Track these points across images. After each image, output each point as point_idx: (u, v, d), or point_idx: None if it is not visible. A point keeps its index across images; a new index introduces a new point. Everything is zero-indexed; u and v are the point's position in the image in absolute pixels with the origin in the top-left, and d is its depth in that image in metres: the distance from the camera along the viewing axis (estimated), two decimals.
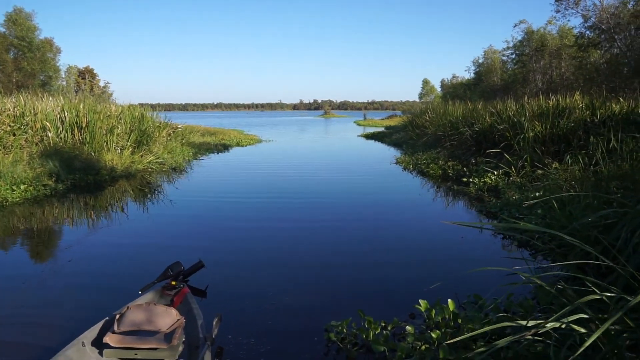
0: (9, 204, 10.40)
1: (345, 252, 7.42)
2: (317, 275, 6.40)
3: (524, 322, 3.12)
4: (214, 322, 4.24)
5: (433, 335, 4.22)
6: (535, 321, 3.09)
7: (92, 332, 3.97)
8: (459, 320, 4.46)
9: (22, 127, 14.56)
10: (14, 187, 11.08)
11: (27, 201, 10.85)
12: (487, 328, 3.19)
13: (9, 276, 6.37)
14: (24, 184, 11.41)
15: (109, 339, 3.71)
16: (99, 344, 3.89)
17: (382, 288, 5.94)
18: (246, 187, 13.81)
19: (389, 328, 4.66)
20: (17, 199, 10.73)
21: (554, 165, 11.36)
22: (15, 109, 15.06)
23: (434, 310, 4.72)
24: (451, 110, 22.42)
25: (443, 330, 4.35)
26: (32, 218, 9.65)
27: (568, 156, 11.32)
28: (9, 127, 14.23)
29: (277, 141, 33.87)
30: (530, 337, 2.99)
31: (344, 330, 4.60)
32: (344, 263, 6.90)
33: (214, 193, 12.67)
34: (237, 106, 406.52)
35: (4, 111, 14.74)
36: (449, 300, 4.67)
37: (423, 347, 4.21)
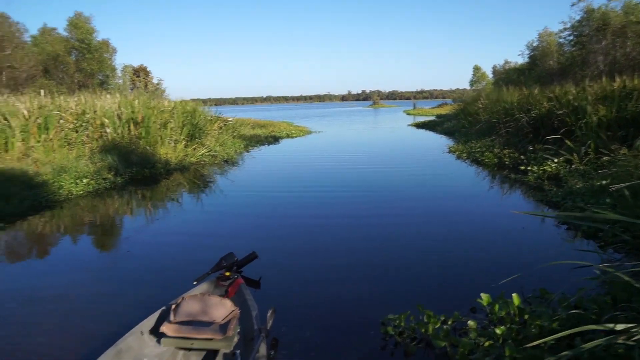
0: (73, 197, 10.88)
1: (401, 244, 7.22)
2: (373, 268, 6.24)
3: (611, 326, 2.84)
4: (268, 314, 4.19)
5: (497, 331, 3.99)
6: (624, 325, 2.80)
7: (150, 322, 4.02)
8: (525, 316, 4.19)
9: (84, 124, 15.26)
10: (77, 181, 11.58)
11: (90, 194, 11.30)
12: (571, 330, 2.89)
13: (74, 268, 6.62)
14: (86, 177, 11.90)
15: (165, 328, 3.73)
16: (156, 332, 3.93)
17: (441, 281, 5.71)
18: (297, 179, 13.81)
19: (449, 322, 4.45)
20: (81, 192, 11.21)
21: (622, 151, 10.60)
22: (77, 107, 15.79)
23: (497, 305, 4.46)
24: (505, 96, 21.47)
25: (508, 326, 4.10)
26: (94, 210, 10.04)
27: (639, 141, 10.53)
28: (72, 125, 14.95)
29: (326, 132, 33.80)
30: (621, 341, 2.71)
31: (402, 324, 4.44)
32: (401, 256, 6.70)
33: (265, 185, 12.75)
34: (286, 99, 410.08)
35: (68, 110, 15.49)
36: (513, 294, 4.40)
37: (486, 343, 3.98)
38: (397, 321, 4.46)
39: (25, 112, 14.27)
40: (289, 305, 5.03)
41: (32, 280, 6.19)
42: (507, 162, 14.26)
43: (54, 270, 6.57)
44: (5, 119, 13.71)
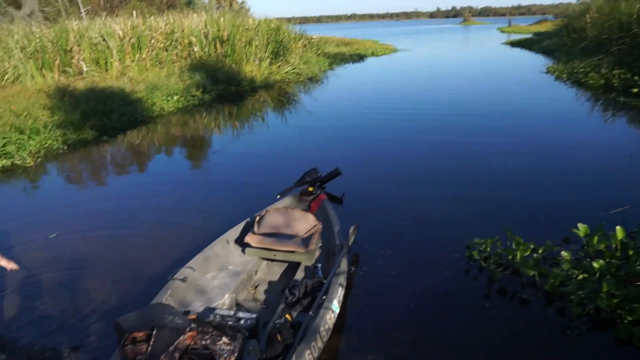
0: (165, 113, 11.42)
1: (492, 168, 6.82)
2: (460, 190, 5.98)
3: None
4: (351, 230, 4.18)
5: (594, 264, 3.69)
6: None
7: (235, 232, 4.19)
8: (630, 252, 3.81)
9: (173, 43, 15.64)
10: (168, 98, 12.08)
11: (180, 110, 11.79)
12: None
13: (166, 180, 7.04)
14: (176, 94, 12.36)
15: (249, 239, 3.87)
16: (241, 242, 4.09)
17: (533, 208, 5.35)
18: (383, 98, 13.38)
19: (539, 251, 4.20)
20: (172, 109, 11.72)
21: None
22: (166, 27, 16.14)
23: (596, 237, 4.09)
24: (622, 7, 18.81)
25: (607, 260, 3.76)
26: (184, 126, 10.49)
27: None
28: (162, 44, 15.38)
29: (413, 50, 32.15)
30: None
31: (488, 249, 4.26)
32: (492, 179, 6.35)
33: (350, 103, 12.52)
34: (372, 16, 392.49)
35: (158, 30, 15.89)
36: (617, 227, 4.00)
37: (581, 276, 3.71)
38: (483, 246, 4.28)
39: (121, 33, 14.84)
40: (371, 223, 5.00)
41: (130, 190, 6.68)
42: (615, 84, 12.75)
43: (148, 181, 7.04)
44: (104, 40, 14.37)
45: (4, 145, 7.86)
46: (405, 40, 45.56)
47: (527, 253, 4.16)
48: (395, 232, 4.85)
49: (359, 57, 25.77)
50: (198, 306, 3.25)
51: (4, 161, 7.62)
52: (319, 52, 22.51)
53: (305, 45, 21.36)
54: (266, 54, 16.91)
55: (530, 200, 5.57)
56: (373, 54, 28.18)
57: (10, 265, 3.09)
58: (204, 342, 2.56)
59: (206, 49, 15.98)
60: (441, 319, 3.50)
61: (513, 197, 5.69)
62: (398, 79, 17.36)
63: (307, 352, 2.61)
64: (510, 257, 4.15)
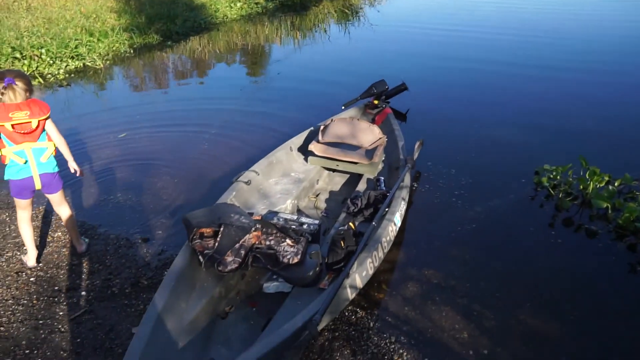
0: (228, 20, 11.24)
1: (573, 94, 6.29)
2: (534, 115, 5.61)
3: None
4: (416, 146, 4.07)
5: None
6: None
7: (299, 139, 4.18)
8: None
9: None
10: (232, 5, 11.83)
11: (242, 18, 11.56)
12: None
13: (229, 85, 7.05)
14: (239, 1, 12.06)
15: (313, 147, 3.84)
16: (304, 150, 4.09)
17: (613, 140, 4.97)
18: (453, 15, 12.43)
19: (615, 184, 3.95)
20: (235, 16, 11.51)
21: None
22: None
23: None
24: None
25: None
26: (246, 33, 10.31)
27: None
28: None
29: None
30: None
31: (558, 177, 4.06)
32: (571, 106, 5.89)
33: (417, 19, 11.78)
34: None
35: None
36: None
37: None
38: (554, 173, 4.08)
39: None
40: (436, 141, 4.84)
41: (194, 94, 6.76)
42: None
43: (211, 86, 7.09)
44: None
45: (76, 47, 8.07)
46: None
47: (602, 184, 3.93)
48: (460, 152, 4.68)
49: None
50: (261, 209, 3.33)
51: (77, 62, 7.87)
52: None
53: None
54: None
55: (611, 131, 5.17)
56: None
57: (79, 170, 3.20)
58: (268, 243, 2.64)
59: None
60: (501, 242, 3.43)
61: (591, 126, 5.30)
62: None
63: (369, 260, 2.64)
64: (581, 187, 3.94)
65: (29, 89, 2.83)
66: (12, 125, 2.74)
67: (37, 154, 2.91)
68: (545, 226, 3.61)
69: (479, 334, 2.63)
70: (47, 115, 2.85)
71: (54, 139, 2.97)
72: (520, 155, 4.65)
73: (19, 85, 2.75)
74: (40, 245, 3.45)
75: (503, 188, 4.08)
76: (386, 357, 2.48)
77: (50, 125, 2.92)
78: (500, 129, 5.22)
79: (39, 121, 2.81)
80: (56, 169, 3.05)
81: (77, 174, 3.23)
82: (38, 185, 2.98)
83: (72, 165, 3.17)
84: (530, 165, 4.37)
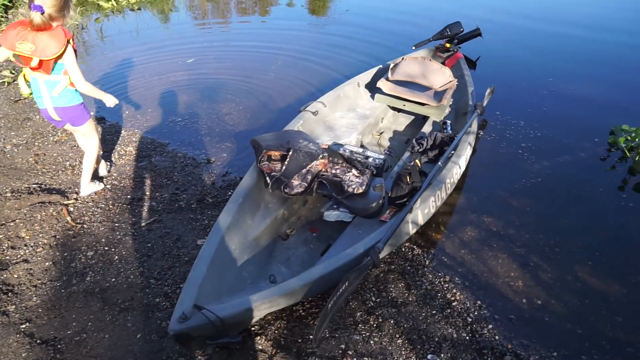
0: None
1: None
2: (614, 72, 5.24)
3: None
4: (487, 92, 3.93)
5: None
6: None
7: (367, 76, 4.12)
8: None
9: None
10: None
11: None
12: None
13: (296, 19, 6.94)
14: None
15: (382, 84, 3.78)
16: (372, 88, 4.03)
17: None
18: None
19: None
20: None
21: None
22: None
23: None
24: None
25: None
26: None
27: None
28: None
29: None
30: None
31: (637, 140, 3.82)
32: None
33: None
34: None
35: None
36: None
37: None
38: (633, 135, 3.84)
39: None
40: (506, 91, 4.65)
41: (261, 29, 6.71)
42: None
43: (280, 21, 6.99)
44: None
45: None
46: None
47: None
48: (531, 105, 4.48)
49: None
50: (326, 140, 3.36)
51: None
52: None
53: None
54: None
55: None
56: None
57: (110, 100, 2.97)
58: (334, 171, 2.68)
59: None
60: (566, 198, 3.32)
61: None
62: None
63: (432, 199, 2.64)
64: None
65: (58, 17, 2.55)
66: (16, 55, 2.58)
67: (49, 86, 2.73)
68: (615, 188, 3.45)
69: (534, 285, 2.62)
70: (54, 55, 2.55)
71: (73, 78, 2.70)
72: (596, 112, 4.40)
73: (47, 11, 2.47)
74: (116, 157, 3.66)
75: (574, 145, 3.91)
76: (439, 295, 2.53)
77: (70, 61, 2.64)
78: (575, 84, 4.93)
79: (40, 60, 2.57)
80: (74, 102, 2.83)
81: (113, 105, 3.02)
82: (55, 117, 2.83)
83: (107, 101, 2.95)
84: (607, 124, 4.13)
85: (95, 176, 3.39)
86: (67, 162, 3.58)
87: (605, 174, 3.62)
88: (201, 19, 7.11)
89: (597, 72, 5.22)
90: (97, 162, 3.32)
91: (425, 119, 3.79)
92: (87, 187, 3.21)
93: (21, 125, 4.09)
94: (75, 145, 3.78)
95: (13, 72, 4.97)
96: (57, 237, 2.84)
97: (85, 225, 2.95)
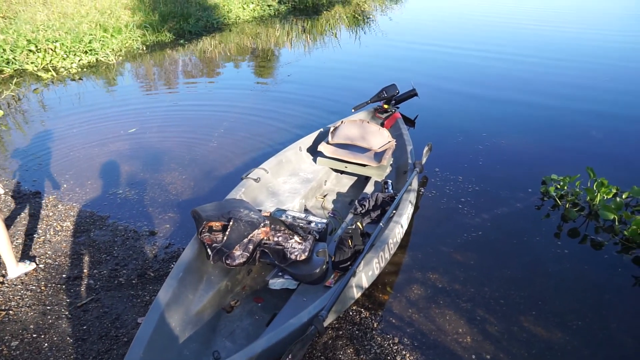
0: (240, 21, 11.33)
1: (583, 104, 6.29)
2: (542, 124, 5.63)
3: None
4: (424, 151, 4.09)
5: None
6: None
7: (308, 140, 4.20)
8: None
9: None
10: (244, 6, 11.92)
11: (255, 19, 11.65)
12: None
13: (239, 85, 7.09)
14: (252, 3, 12.16)
15: (322, 148, 3.87)
16: (313, 151, 4.11)
17: (623, 152, 4.97)
18: (465, 23, 12.48)
19: (623, 196, 3.96)
20: (247, 17, 11.60)
21: None
22: None
23: None
24: None
25: None
26: (258, 35, 10.38)
27: None
28: None
29: None
30: None
31: (565, 187, 4.07)
32: (581, 116, 5.89)
33: (428, 27, 11.82)
34: None
35: None
36: None
37: None
38: (561, 183, 4.08)
39: None
40: (443, 148, 4.87)
41: (204, 94, 6.80)
42: None
43: (222, 86, 7.12)
44: None
45: (89, 42, 8.16)
46: None
47: (610, 196, 3.94)
48: (467, 160, 4.70)
49: None
50: (269, 206, 3.36)
51: (90, 57, 7.95)
52: None
53: None
54: None
55: (619, 143, 5.17)
56: None
57: None
58: (276, 239, 2.66)
59: None
60: (507, 250, 3.43)
61: (600, 138, 5.30)
62: (486, 2, 16.05)
63: (375, 260, 2.66)
64: (589, 198, 3.95)
65: None
66: None
67: None
68: (551, 236, 3.61)
69: (482, 339, 2.64)
70: None
71: None
72: (527, 164, 4.67)
73: None
74: (51, 234, 3.49)
75: (510, 196, 4.10)
76: (389, 358, 2.49)
77: None
78: (508, 138, 5.24)
79: None
80: None
81: None
82: None
83: None
84: (538, 175, 4.38)
85: (27, 256, 3.21)
86: None
87: (540, 222, 3.79)
88: (146, 86, 7.13)
89: (526, 127, 5.57)
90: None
91: (367, 179, 3.88)
92: (15, 269, 3.01)
93: None
94: (8, 223, 3.59)
95: None
96: None
97: (11, 312, 2.74)
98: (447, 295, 2.96)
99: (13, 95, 6.29)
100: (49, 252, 3.28)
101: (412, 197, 3.35)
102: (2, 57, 7.16)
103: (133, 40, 8.88)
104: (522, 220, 3.80)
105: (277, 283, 2.65)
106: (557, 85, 7.12)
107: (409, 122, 5.10)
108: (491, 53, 9.05)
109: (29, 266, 3.08)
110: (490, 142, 5.11)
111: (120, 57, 8.23)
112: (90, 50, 8.07)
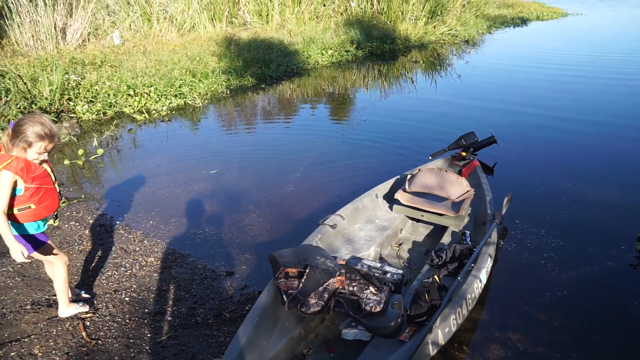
0: (319, 66, 11.72)
1: None
2: (632, 171, 5.25)
3: None
4: (505, 201, 3.94)
5: None
6: None
7: (385, 187, 4.20)
8: None
9: None
10: (323, 52, 12.34)
11: (333, 64, 12.00)
12: None
13: (316, 129, 7.28)
14: (330, 49, 12.57)
15: (399, 195, 3.84)
16: (389, 198, 4.10)
17: None
18: (543, 66, 12.10)
19: None
20: (325, 62, 11.98)
21: None
22: None
23: None
24: None
25: None
26: (336, 80, 10.67)
27: None
28: None
29: (587, 15, 28.40)
30: None
31: None
32: None
33: (506, 70, 11.58)
34: None
35: None
36: None
37: None
38: None
39: None
40: (525, 198, 4.65)
41: (284, 137, 7.05)
42: None
43: (302, 130, 7.35)
44: None
45: (180, 86, 8.79)
46: (577, 4, 40.33)
47: None
48: (551, 211, 4.45)
49: (522, 21, 23.49)
50: (344, 254, 3.36)
51: (179, 100, 8.54)
52: (477, 13, 21.02)
53: (464, 6, 20.07)
54: (422, 13, 16.26)
55: None
56: (538, 18, 25.50)
57: (14, 251, 2.56)
58: (351, 288, 2.65)
59: (362, 5, 15.89)
60: (598, 313, 3.18)
61: None
62: (563, 46, 15.50)
63: (452, 316, 2.56)
64: None
65: (15, 140, 2.52)
66: None
67: None
68: None
69: None
70: None
71: None
72: (619, 218, 4.34)
73: (8, 132, 2.55)
74: (137, 268, 3.71)
75: (599, 253, 3.81)
76: None
77: None
78: (597, 188, 4.92)
79: None
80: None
81: (20, 261, 2.73)
82: None
83: (11, 251, 2.55)
84: (632, 231, 4.06)
85: (115, 288, 3.42)
86: (90, 272, 3.64)
87: (637, 284, 3.48)
88: (229, 128, 7.52)
89: (617, 175, 5.22)
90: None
91: (444, 229, 3.79)
92: (66, 310, 3.09)
93: (50, 234, 4.23)
94: (100, 255, 3.87)
95: None
96: (70, 354, 2.81)
97: (100, 341, 2.92)
98: (528, 358, 2.77)
99: (112, 135, 6.87)
100: (134, 286, 3.48)
101: (492, 250, 3.22)
102: (107, 101, 7.89)
103: (218, 84, 9.45)
104: (615, 280, 3.51)
105: (350, 334, 2.62)
106: None
107: (488, 170, 4.96)
108: (578, 100, 8.67)
109: (80, 308, 3.16)
110: (575, 192, 4.82)
111: (206, 100, 8.76)
112: (180, 94, 8.68)
